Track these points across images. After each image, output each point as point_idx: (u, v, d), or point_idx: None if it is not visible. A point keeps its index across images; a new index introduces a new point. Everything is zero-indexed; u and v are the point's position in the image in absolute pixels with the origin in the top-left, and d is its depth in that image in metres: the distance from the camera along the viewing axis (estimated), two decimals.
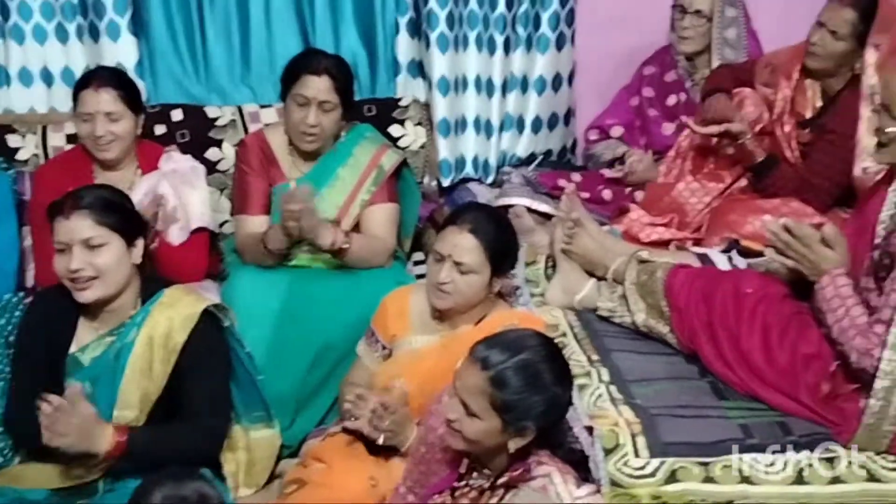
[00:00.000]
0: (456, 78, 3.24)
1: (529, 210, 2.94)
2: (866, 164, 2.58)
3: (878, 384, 1.90)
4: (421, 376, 2.21)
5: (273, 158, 2.78)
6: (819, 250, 2.06)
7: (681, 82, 3.27)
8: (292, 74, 2.68)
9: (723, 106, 2.88)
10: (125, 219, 2.13)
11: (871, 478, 1.92)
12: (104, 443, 1.97)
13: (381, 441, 2.13)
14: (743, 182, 2.92)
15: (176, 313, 2.10)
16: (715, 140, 2.88)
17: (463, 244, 2.19)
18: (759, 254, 2.59)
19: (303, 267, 2.71)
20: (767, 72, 2.97)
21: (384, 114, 3.21)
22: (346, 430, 2.25)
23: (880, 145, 2.00)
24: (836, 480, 1.92)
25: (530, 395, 1.75)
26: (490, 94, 3.30)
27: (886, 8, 2.64)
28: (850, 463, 1.94)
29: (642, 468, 1.91)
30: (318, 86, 2.64)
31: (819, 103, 2.87)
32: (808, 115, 2.88)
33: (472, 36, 3.21)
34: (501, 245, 2.24)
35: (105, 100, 2.55)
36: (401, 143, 3.19)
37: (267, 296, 2.61)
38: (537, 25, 3.26)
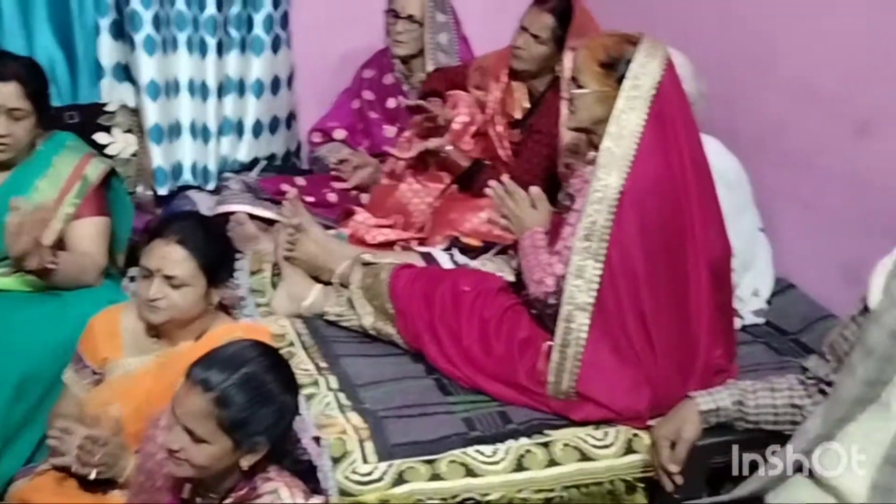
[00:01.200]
0: (167, 81, 3.09)
1: (252, 217, 2.86)
2: (569, 161, 2.74)
3: (564, 310, 2.05)
4: (137, 400, 2.07)
5: None
6: (526, 209, 2.23)
7: (399, 85, 3.33)
8: None
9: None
10: None
11: (584, 457, 2.03)
12: None
13: (92, 476, 1.97)
14: None
15: None
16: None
17: (172, 256, 2.08)
18: (479, 249, 2.69)
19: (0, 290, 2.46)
20: (478, 75, 3.08)
21: (88, 121, 3.00)
22: (56, 467, 2.07)
23: (571, 113, 2.17)
24: (552, 463, 2.00)
25: (259, 408, 1.69)
26: (205, 97, 3.17)
27: (580, 14, 2.83)
28: (564, 445, 2.03)
29: (370, 473, 1.91)
30: (5, 92, 2.40)
31: (526, 104, 3.00)
32: (518, 115, 3.00)
33: (181, 38, 3.08)
34: (214, 254, 2.14)
35: None
36: (109, 151, 3.00)
37: None
38: (250, 27, 3.19)
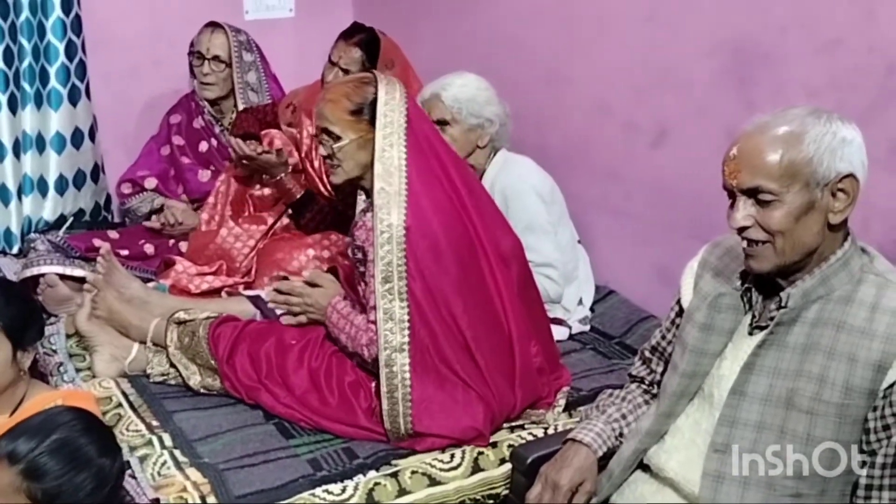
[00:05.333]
0: None
1: (63, 277, 2.71)
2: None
3: (382, 356, 2.04)
4: None
5: None
6: (312, 293, 2.30)
7: (209, 128, 3.26)
8: None
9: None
10: None
11: (433, 482, 2.02)
12: None
13: None
14: (285, 221, 2.97)
15: None
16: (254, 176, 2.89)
17: None
18: None
19: None
20: (290, 112, 3.07)
21: None
22: None
23: (334, 167, 2.18)
24: (402, 493, 1.99)
25: (74, 475, 1.61)
26: (1, 156, 2.99)
27: (387, 45, 2.87)
28: (412, 473, 2.03)
29: None
30: None
31: None
32: None
33: None
34: (13, 313, 2.00)
35: None
36: None
37: None
38: (45, 81, 3.04)
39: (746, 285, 1.60)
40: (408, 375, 2.04)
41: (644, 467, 1.73)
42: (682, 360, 1.64)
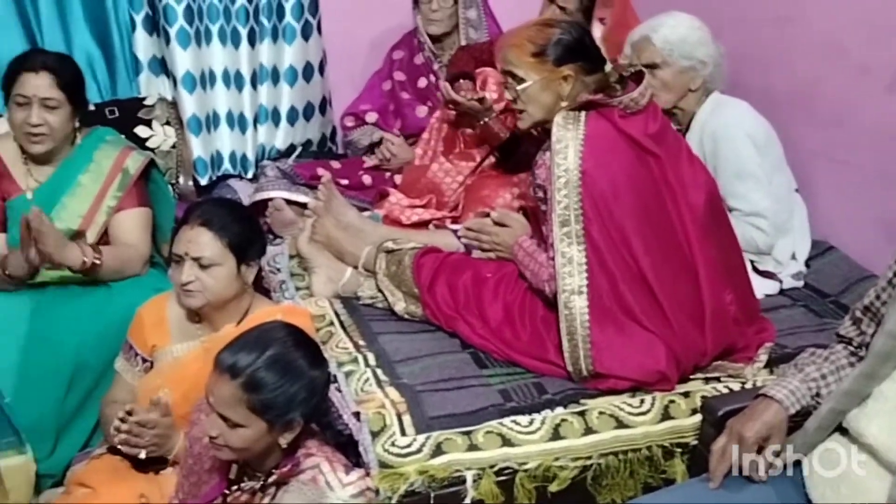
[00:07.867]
0: (202, 73, 3.15)
1: (289, 202, 2.91)
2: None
3: (561, 298, 2.06)
4: (185, 384, 2.12)
5: (4, 170, 2.59)
6: (500, 232, 2.38)
7: (429, 65, 3.34)
8: (10, 75, 2.51)
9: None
10: None
11: (620, 424, 2.03)
12: None
13: (142, 455, 2.05)
14: (492, 159, 3.01)
15: None
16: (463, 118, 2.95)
17: (197, 239, 2.13)
18: None
19: (49, 283, 2.54)
20: None
21: (128, 115, 3.07)
22: (110, 451, 2.15)
23: (521, 113, 2.18)
24: (588, 431, 2.01)
25: (289, 387, 1.73)
26: (240, 87, 3.23)
27: None
28: (600, 413, 2.04)
29: (409, 445, 1.93)
30: (36, 83, 2.48)
31: None
32: None
33: (214, 29, 3.14)
34: (239, 230, 2.17)
35: None
36: (150, 143, 3.07)
37: (11, 318, 2.43)
38: (281, 15, 3.23)
39: None
40: (586, 318, 2.04)
41: (843, 431, 1.65)
42: (893, 319, 1.54)
